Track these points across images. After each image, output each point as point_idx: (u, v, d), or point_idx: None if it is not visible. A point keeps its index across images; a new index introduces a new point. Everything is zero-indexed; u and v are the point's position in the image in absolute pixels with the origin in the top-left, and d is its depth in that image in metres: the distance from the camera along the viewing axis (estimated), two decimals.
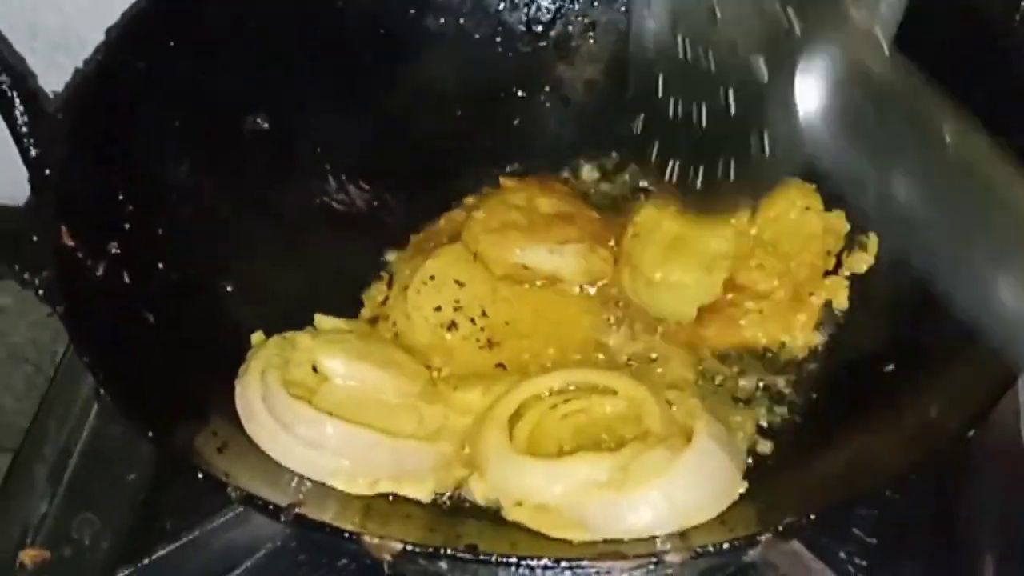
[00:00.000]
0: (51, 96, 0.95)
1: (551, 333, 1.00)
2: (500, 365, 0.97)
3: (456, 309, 0.99)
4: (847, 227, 1.01)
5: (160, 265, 0.93)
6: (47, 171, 0.88)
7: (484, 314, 0.99)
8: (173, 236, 0.95)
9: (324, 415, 0.86)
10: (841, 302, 1.00)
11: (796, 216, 1.01)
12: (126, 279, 0.89)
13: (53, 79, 1.09)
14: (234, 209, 0.99)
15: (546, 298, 1.02)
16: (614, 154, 1.12)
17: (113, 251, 0.89)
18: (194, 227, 0.96)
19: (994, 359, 0.65)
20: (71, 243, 0.85)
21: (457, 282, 1.00)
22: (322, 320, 0.96)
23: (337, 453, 0.85)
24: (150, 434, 0.77)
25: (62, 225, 0.85)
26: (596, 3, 1.12)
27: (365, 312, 1.02)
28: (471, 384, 0.94)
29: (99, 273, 0.87)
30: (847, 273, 1.01)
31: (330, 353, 0.91)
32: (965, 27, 0.92)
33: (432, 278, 1.00)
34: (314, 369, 0.90)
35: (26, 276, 0.83)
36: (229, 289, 0.97)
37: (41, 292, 0.82)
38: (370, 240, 1.06)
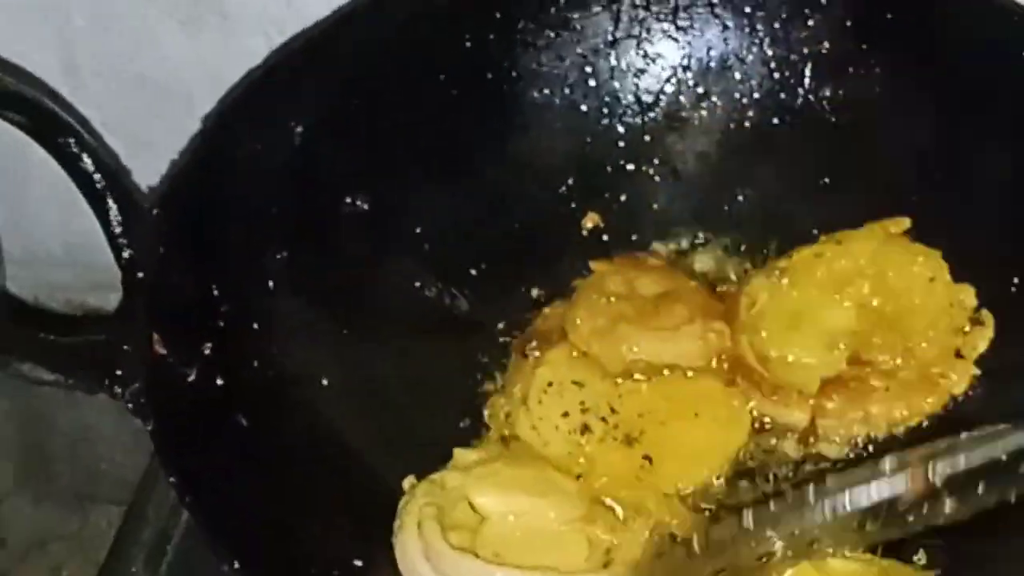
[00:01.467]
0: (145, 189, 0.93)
1: (688, 414, 0.95)
2: (646, 457, 0.93)
3: (584, 411, 0.94)
4: (975, 302, 0.96)
5: (255, 363, 0.91)
6: (139, 274, 0.86)
7: (614, 411, 0.95)
8: (268, 330, 0.93)
9: (492, 567, 0.83)
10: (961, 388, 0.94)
11: (921, 287, 0.97)
12: (219, 381, 0.87)
13: (157, 131, 1.10)
14: (331, 299, 0.97)
15: (671, 380, 0.97)
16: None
17: (206, 352, 0.87)
18: (289, 320, 0.94)
19: None
20: (163, 351, 0.84)
21: (576, 383, 0.96)
22: (460, 455, 0.93)
23: None
24: (236, 565, 0.75)
25: (154, 333, 0.83)
26: (709, 72, 1.07)
27: (492, 434, 0.97)
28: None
29: (191, 379, 0.85)
30: (974, 355, 0.95)
31: (482, 490, 0.87)
32: None
33: (550, 385, 0.96)
34: (472, 506, 0.88)
35: (116, 389, 0.81)
36: (325, 382, 0.94)
37: (131, 406, 0.81)
38: (472, 330, 1.03)
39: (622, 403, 0.95)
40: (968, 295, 0.96)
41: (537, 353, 0.98)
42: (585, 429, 0.93)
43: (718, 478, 0.92)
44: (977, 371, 0.94)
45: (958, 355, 0.95)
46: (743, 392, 0.96)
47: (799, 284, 0.99)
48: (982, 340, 0.95)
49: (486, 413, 0.98)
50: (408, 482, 0.90)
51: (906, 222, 0.99)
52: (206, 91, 1.01)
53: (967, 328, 0.96)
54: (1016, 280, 0.94)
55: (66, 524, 1.26)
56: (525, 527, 0.86)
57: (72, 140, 0.86)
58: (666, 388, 0.96)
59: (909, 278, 0.97)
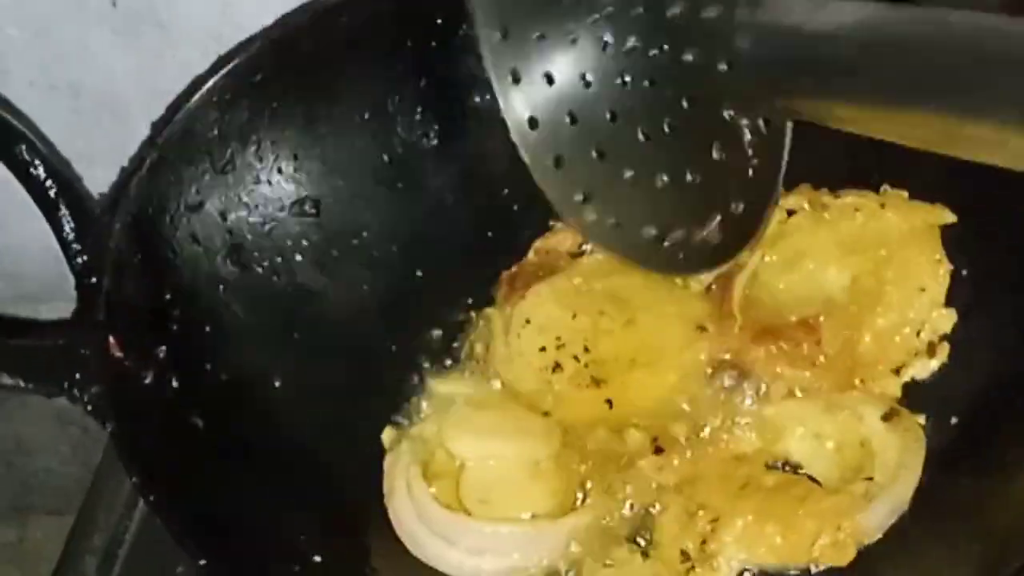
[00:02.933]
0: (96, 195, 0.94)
1: (651, 361, 0.97)
2: (607, 401, 0.95)
3: (559, 347, 0.97)
4: (947, 329, 0.95)
5: (208, 366, 0.92)
6: (94, 279, 0.86)
7: (587, 350, 0.97)
8: (221, 333, 0.94)
9: (481, 522, 0.86)
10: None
11: (909, 292, 0.95)
12: (175, 384, 0.88)
13: (92, 141, 1.10)
14: (281, 303, 0.98)
15: (648, 325, 0.98)
16: None
17: (161, 356, 0.88)
18: (241, 322, 0.95)
19: None
20: (120, 354, 0.84)
21: (555, 319, 0.99)
22: (437, 383, 0.97)
23: (503, 553, 0.86)
24: (202, 562, 0.76)
25: (111, 337, 0.84)
26: None
27: (472, 365, 1.01)
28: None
29: (147, 381, 0.86)
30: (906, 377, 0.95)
31: (457, 437, 0.91)
32: None
33: (528, 321, 0.99)
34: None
35: (75, 392, 0.82)
36: (278, 384, 0.96)
37: (90, 408, 0.82)
38: (418, 332, 1.04)
39: (595, 344, 0.97)
40: (946, 320, 0.95)
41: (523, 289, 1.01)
42: (556, 367, 0.96)
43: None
44: (898, 394, 0.94)
45: (896, 372, 0.94)
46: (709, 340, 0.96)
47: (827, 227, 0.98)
48: (924, 368, 0.94)
49: (466, 342, 1.02)
50: (387, 435, 0.94)
51: (949, 216, 0.96)
52: (142, 101, 1.02)
53: (919, 351, 0.95)
54: None
55: (3, 535, 1.26)
56: (503, 470, 0.89)
57: (24, 147, 0.87)
58: (637, 333, 0.98)
59: (905, 276, 0.95)
